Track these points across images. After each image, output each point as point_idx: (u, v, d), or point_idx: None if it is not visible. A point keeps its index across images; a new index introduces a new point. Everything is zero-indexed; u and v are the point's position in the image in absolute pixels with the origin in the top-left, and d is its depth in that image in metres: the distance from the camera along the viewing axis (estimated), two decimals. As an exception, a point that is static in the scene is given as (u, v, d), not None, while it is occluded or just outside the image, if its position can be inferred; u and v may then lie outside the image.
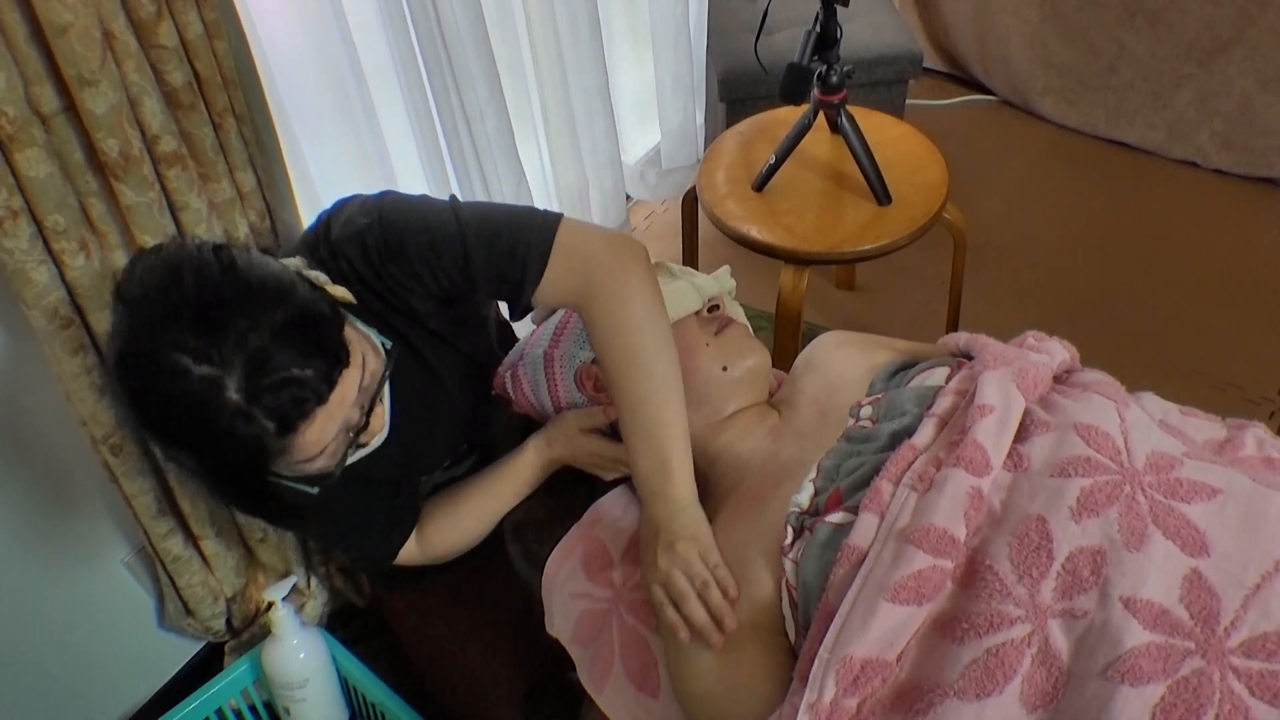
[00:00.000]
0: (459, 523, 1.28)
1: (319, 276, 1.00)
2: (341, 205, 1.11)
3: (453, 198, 1.12)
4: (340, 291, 1.00)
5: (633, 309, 1.06)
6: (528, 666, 1.47)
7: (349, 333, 0.96)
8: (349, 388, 0.94)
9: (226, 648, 1.65)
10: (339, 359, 0.92)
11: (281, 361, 0.87)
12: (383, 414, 1.04)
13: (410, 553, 1.28)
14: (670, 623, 0.98)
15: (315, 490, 1.00)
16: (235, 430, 0.87)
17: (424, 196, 1.13)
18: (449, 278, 1.08)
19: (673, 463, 1.04)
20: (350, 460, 1.03)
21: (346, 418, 0.96)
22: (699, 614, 0.96)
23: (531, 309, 1.20)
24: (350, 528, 1.24)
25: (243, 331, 0.86)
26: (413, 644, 1.58)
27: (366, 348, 0.99)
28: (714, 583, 0.97)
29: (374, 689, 1.46)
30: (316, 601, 1.68)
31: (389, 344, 1.04)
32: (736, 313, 1.28)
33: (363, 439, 1.01)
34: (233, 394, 0.85)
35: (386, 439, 1.09)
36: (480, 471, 1.28)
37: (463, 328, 1.22)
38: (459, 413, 1.29)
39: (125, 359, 0.89)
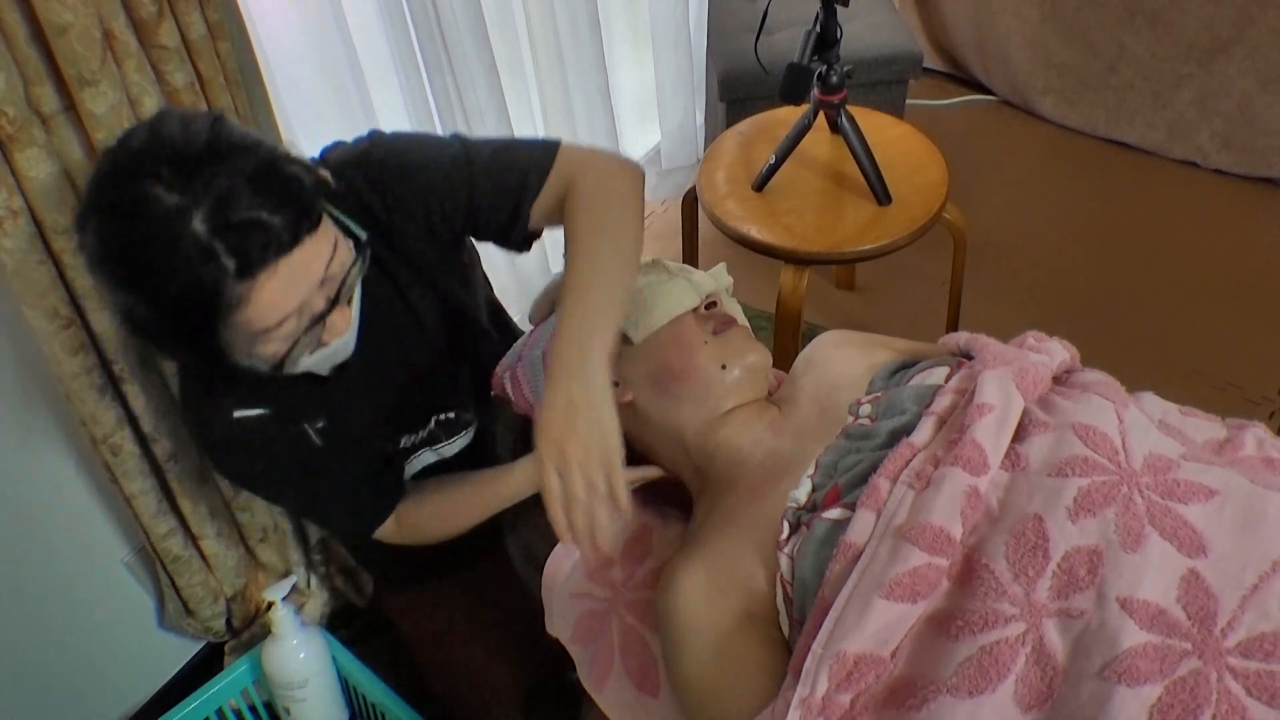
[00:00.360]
0: (441, 514, 1.26)
1: (304, 157, 1.00)
2: (330, 147, 1.14)
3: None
4: (324, 174, 1.00)
5: (610, 202, 1.08)
6: (528, 666, 1.47)
7: (324, 214, 0.96)
8: (315, 256, 0.94)
9: (226, 648, 1.65)
10: (308, 216, 0.92)
11: (250, 203, 0.87)
12: (348, 316, 1.03)
13: (388, 530, 1.26)
14: (554, 518, 0.96)
15: (266, 360, 0.98)
16: (194, 267, 0.86)
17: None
18: (451, 198, 1.11)
19: (598, 349, 0.99)
20: (309, 360, 1.02)
21: (308, 298, 0.95)
22: (582, 523, 0.95)
23: (530, 235, 1.17)
24: (333, 496, 1.22)
25: (217, 172, 0.87)
26: (413, 643, 1.58)
27: (340, 235, 0.99)
28: (606, 499, 0.95)
29: (374, 689, 1.47)
30: (316, 601, 1.68)
31: (365, 237, 1.03)
32: (734, 310, 1.28)
33: (325, 337, 1.00)
34: (198, 224, 0.86)
35: (359, 373, 1.13)
36: (476, 471, 1.27)
37: (450, 277, 1.23)
38: (439, 366, 1.27)
39: (97, 188, 0.90)
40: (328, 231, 0.96)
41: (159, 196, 0.86)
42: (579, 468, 0.94)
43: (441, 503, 1.26)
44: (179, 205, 0.86)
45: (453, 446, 1.35)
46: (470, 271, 1.30)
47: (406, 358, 1.24)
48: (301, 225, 0.91)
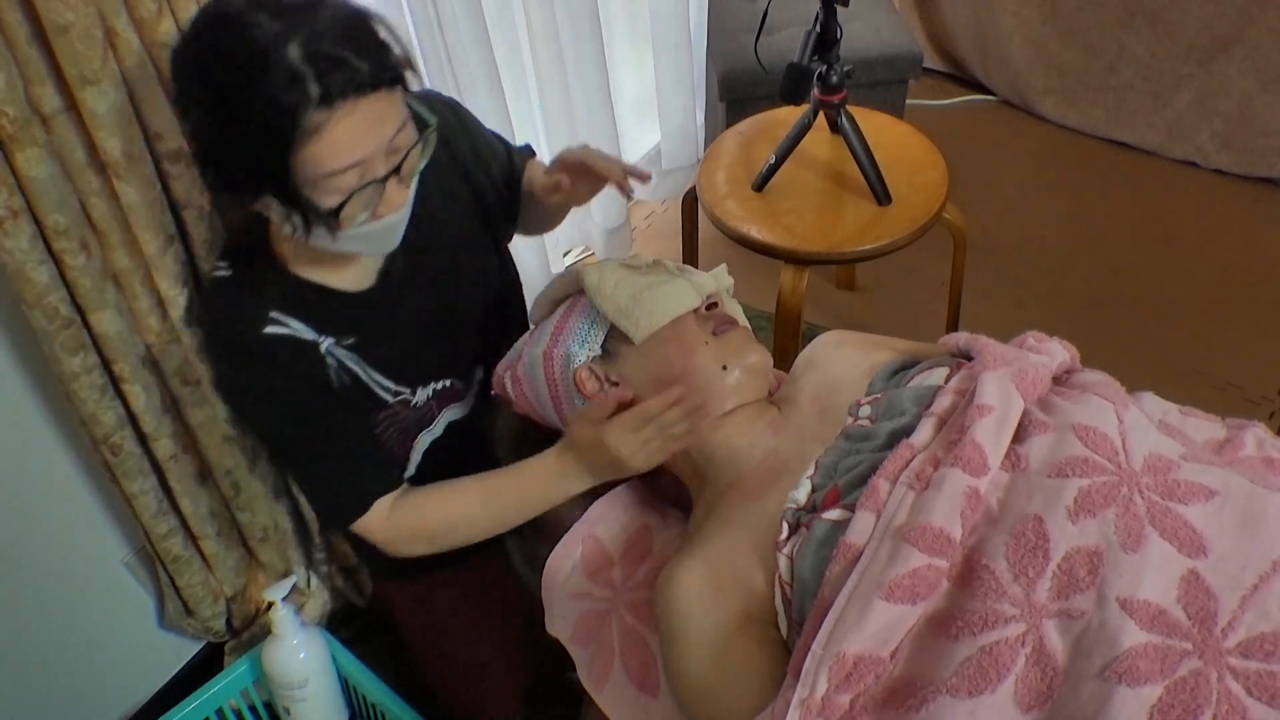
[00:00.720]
0: (445, 507, 1.22)
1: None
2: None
3: None
4: (411, 60, 1.05)
5: None
6: (528, 666, 1.47)
7: (401, 89, 1.03)
8: (387, 113, 1.00)
9: (226, 648, 1.65)
10: (389, 71, 0.99)
11: (341, 43, 0.95)
12: (405, 196, 1.07)
13: (376, 519, 1.21)
14: (613, 173, 1.22)
15: (324, 211, 1.01)
16: (282, 89, 0.93)
17: None
18: (496, 160, 1.32)
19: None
20: (361, 230, 1.05)
21: (373, 156, 1.00)
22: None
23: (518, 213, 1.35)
24: (332, 453, 1.19)
25: (317, 13, 0.95)
26: (414, 641, 1.58)
27: (408, 115, 1.04)
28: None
29: (374, 689, 1.47)
30: (316, 601, 1.68)
31: (433, 122, 1.08)
32: (735, 311, 1.28)
33: (380, 208, 1.04)
34: (293, 50, 0.93)
35: (400, 293, 1.21)
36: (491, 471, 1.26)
37: (486, 240, 1.33)
38: (470, 311, 1.30)
39: (204, 14, 0.98)
40: (401, 104, 1.02)
41: (261, 22, 0.93)
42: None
43: (448, 491, 1.22)
44: (278, 32, 0.93)
45: (440, 424, 1.35)
46: (502, 247, 1.39)
47: (443, 291, 1.27)
48: (383, 75, 0.98)
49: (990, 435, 0.93)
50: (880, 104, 2.15)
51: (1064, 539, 0.85)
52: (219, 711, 1.53)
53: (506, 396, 1.27)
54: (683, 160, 2.64)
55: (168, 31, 1.14)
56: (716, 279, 1.26)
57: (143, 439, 1.35)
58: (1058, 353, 1.10)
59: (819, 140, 1.85)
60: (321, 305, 1.16)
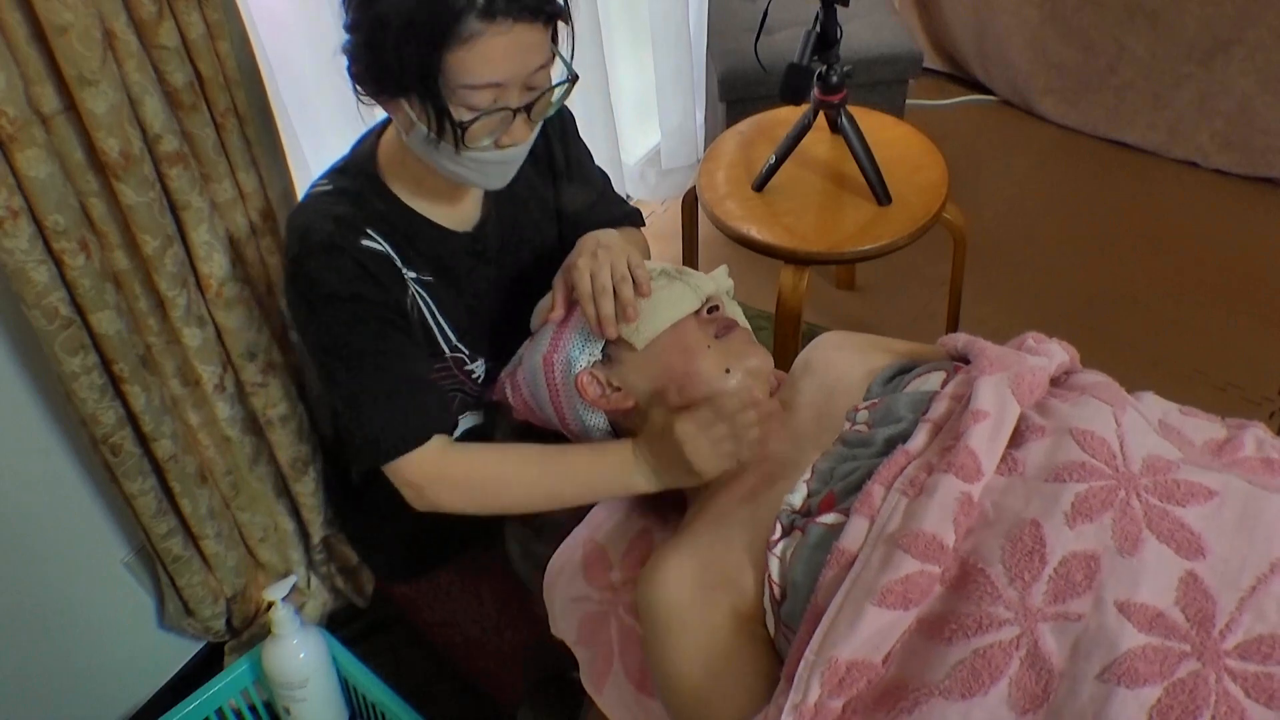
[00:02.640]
0: (501, 463, 1.18)
1: None
2: None
3: None
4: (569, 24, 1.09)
5: None
6: (528, 666, 1.47)
7: (556, 33, 1.07)
8: (537, 46, 1.03)
9: (226, 648, 1.65)
10: (551, 6, 1.03)
11: None
12: (528, 134, 1.11)
13: (427, 455, 1.15)
14: (586, 312, 1.14)
15: (444, 133, 1.04)
16: None
17: None
18: (585, 188, 1.36)
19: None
20: (479, 155, 1.08)
21: (513, 81, 1.03)
22: (608, 308, 1.12)
23: None
24: (389, 380, 1.15)
25: None
26: (418, 638, 1.58)
27: (552, 58, 1.07)
28: (630, 279, 1.13)
29: (374, 689, 1.47)
30: (316, 601, 1.68)
31: (575, 77, 1.11)
32: (735, 313, 1.28)
33: (503, 138, 1.08)
34: None
35: (482, 245, 1.25)
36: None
37: (554, 240, 1.37)
38: (530, 302, 1.30)
39: None
40: (549, 44, 1.06)
41: None
42: (608, 262, 1.12)
43: (508, 449, 1.19)
44: None
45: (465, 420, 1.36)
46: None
47: (519, 277, 1.31)
48: (544, 9, 1.02)
49: (984, 441, 0.93)
50: (880, 104, 2.15)
51: (1060, 544, 0.85)
52: (219, 711, 1.53)
53: (507, 403, 1.27)
54: (683, 160, 2.64)
55: (167, 32, 1.14)
56: (716, 281, 1.25)
57: (143, 439, 1.35)
58: (1057, 354, 1.10)
59: (819, 140, 1.84)
60: (414, 234, 1.20)
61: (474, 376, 1.31)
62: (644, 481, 1.13)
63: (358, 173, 1.20)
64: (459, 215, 1.25)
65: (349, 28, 1.05)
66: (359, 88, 1.08)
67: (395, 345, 1.16)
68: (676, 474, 1.11)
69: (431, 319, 1.23)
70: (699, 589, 0.98)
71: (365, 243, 1.15)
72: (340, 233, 1.14)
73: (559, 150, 1.33)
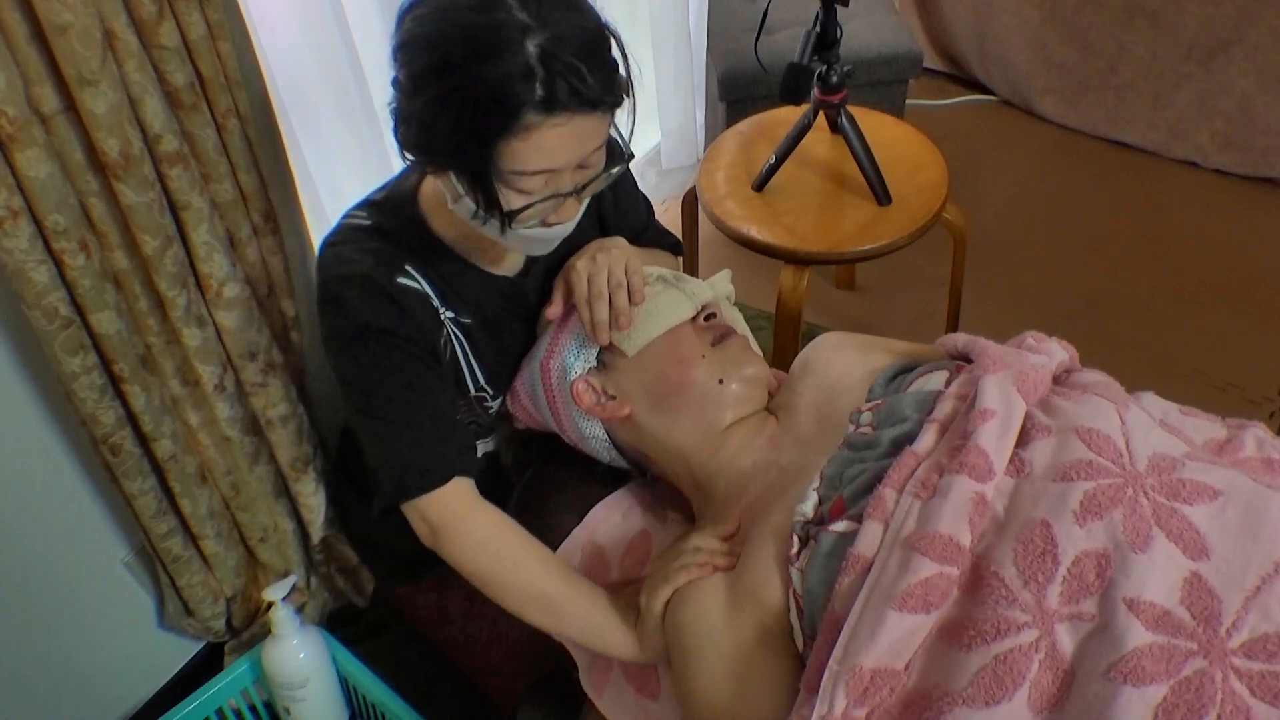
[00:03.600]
0: (504, 549, 1.13)
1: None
2: None
3: None
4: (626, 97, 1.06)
5: None
6: (528, 666, 1.47)
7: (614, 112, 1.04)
8: (594, 134, 1.01)
9: (226, 648, 1.65)
10: (612, 95, 1.00)
11: (581, 56, 0.95)
12: (576, 212, 1.09)
13: (450, 498, 1.12)
14: (582, 318, 1.16)
15: (491, 214, 1.02)
16: (513, 78, 0.93)
17: None
18: (631, 221, 1.35)
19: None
20: (528, 232, 1.06)
21: (566, 168, 1.01)
22: (601, 313, 1.13)
23: None
24: (430, 420, 1.14)
25: (567, 16, 0.96)
26: (418, 638, 1.58)
27: (607, 137, 1.05)
28: (626, 286, 1.14)
29: (374, 689, 1.46)
30: (316, 601, 1.68)
31: (628, 154, 1.10)
32: (734, 318, 1.27)
33: (552, 217, 1.06)
34: (532, 45, 0.93)
35: (523, 294, 1.24)
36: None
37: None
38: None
39: None
40: (608, 127, 1.03)
41: (511, 8, 0.94)
42: (606, 266, 1.13)
43: (532, 545, 1.13)
44: (524, 24, 0.94)
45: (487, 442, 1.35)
46: None
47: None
48: (605, 99, 0.99)
49: (994, 440, 0.92)
50: (880, 104, 2.15)
51: (1072, 544, 0.84)
52: (219, 711, 1.53)
53: (507, 411, 1.27)
54: (683, 160, 2.64)
55: (168, 32, 1.14)
56: (714, 287, 1.24)
57: (142, 439, 1.35)
58: (1056, 353, 1.09)
59: (819, 140, 1.84)
60: (454, 276, 1.18)
61: (490, 410, 1.30)
62: (628, 654, 1.09)
63: (398, 210, 1.17)
64: (504, 261, 1.23)
65: (397, 86, 1.01)
66: (405, 152, 1.05)
67: (425, 383, 1.14)
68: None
69: (464, 360, 1.21)
70: (728, 608, 0.97)
71: (402, 280, 1.13)
72: (378, 269, 1.12)
73: (608, 191, 1.28)
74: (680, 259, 1.46)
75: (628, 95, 1.03)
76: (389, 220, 1.16)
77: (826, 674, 0.84)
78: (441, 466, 1.12)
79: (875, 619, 0.84)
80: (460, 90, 0.94)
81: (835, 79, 1.69)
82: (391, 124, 1.03)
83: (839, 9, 1.59)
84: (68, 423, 1.37)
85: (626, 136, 1.08)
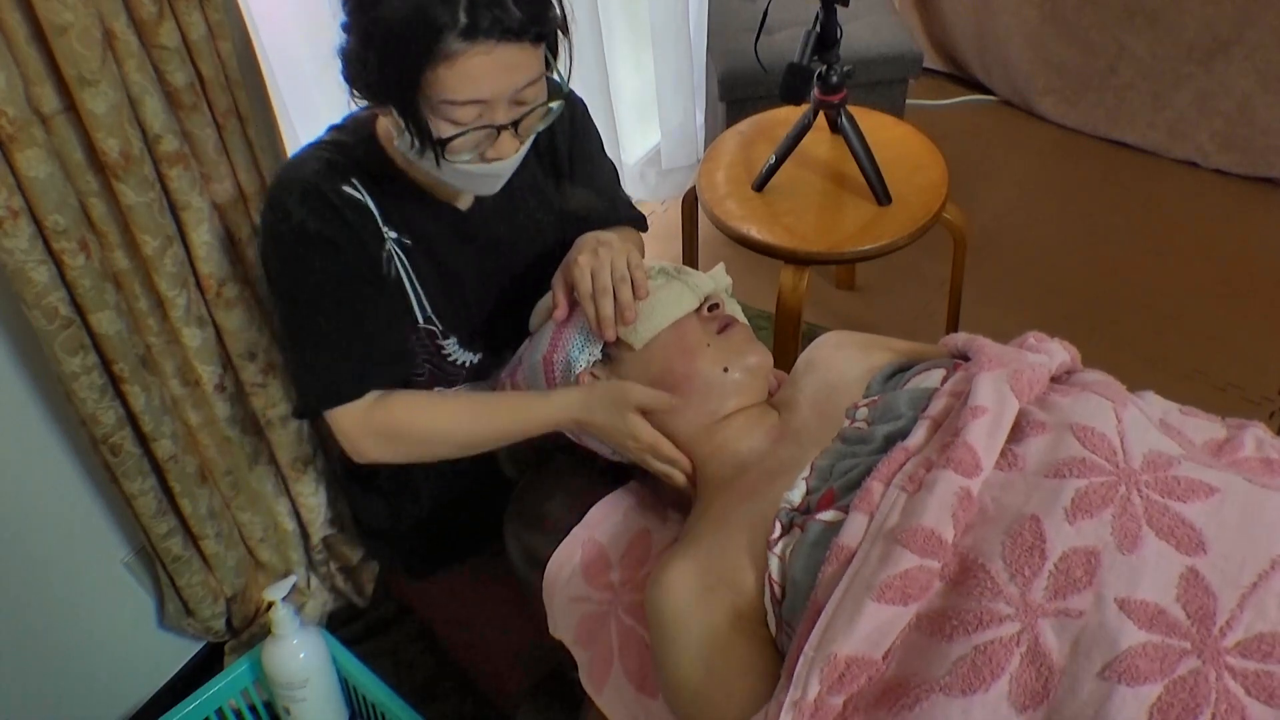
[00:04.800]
0: (430, 411, 1.20)
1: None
2: None
3: None
4: (565, 33, 1.08)
5: None
6: (528, 666, 1.47)
7: (548, 50, 1.06)
8: (523, 64, 1.02)
9: (226, 648, 1.65)
10: (540, 27, 1.01)
11: None
12: (517, 149, 1.10)
13: (354, 414, 1.16)
14: (586, 312, 1.15)
15: (425, 145, 1.04)
16: (430, 5, 0.95)
17: None
18: (592, 185, 1.34)
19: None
20: (463, 167, 1.07)
21: (497, 99, 1.02)
22: (607, 309, 1.13)
23: None
24: (358, 337, 1.16)
25: None
26: (419, 638, 1.58)
27: (544, 73, 1.06)
28: (630, 280, 1.13)
29: (374, 689, 1.47)
30: (316, 601, 1.68)
31: (567, 93, 1.10)
32: (735, 311, 1.28)
33: (489, 152, 1.07)
34: None
35: (467, 228, 1.23)
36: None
37: (553, 240, 1.32)
38: (519, 293, 1.30)
39: None
40: (540, 60, 1.04)
41: None
42: (608, 261, 1.13)
43: (438, 398, 1.21)
44: None
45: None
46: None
47: (507, 266, 1.30)
48: (531, 29, 1.00)
49: (983, 437, 0.93)
50: (880, 104, 2.15)
51: (1060, 540, 0.85)
52: (219, 711, 1.53)
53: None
54: (683, 160, 2.64)
55: (168, 32, 1.14)
56: (715, 279, 1.25)
57: (142, 439, 1.35)
58: (1058, 353, 1.09)
59: (819, 140, 1.84)
60: (400, 195, 1.19)
61: (447, 356, 1.30)
62: (568, 414, 1.17)
63: (357, 129, 1.19)
64: (453, 193, 1.24)
65: (344, 28, 1.05)
66: (352, 90, 1.08)
67: (355, 294, 1.16)
68: (600, 431, 1.16)
69: (409, 284, 1.22)
70: (700, 591, 0.98)
71: (346, 189, 1.15)
72: (322, 175, 1.14)
73: (564, 145, 1.32)
74: (642, 236, 1.46)
75: (564, 33, 1.06)
76: (347, 137, 1.19)
77: (802, 660, 0.84)
78: (357, 381, 1.17)
79: (853, 608, 0.85)
80: (386, 20, 0.97)
81: (835, 79, 1.69)
82: (340, 69, 1.06)
83: (839, 9, 1.59)
84: (68, 423, 1.37)
85: (567, 72, 1.10)
